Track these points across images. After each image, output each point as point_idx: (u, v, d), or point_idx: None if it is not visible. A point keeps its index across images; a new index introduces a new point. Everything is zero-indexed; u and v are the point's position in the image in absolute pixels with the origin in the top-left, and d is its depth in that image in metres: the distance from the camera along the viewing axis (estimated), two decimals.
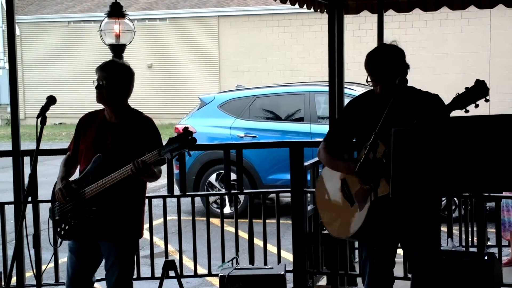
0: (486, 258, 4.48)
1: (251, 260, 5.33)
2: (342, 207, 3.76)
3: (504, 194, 5.30)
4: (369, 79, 3.69)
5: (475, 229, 5.51)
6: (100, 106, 3.98)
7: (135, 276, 4.37)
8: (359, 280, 5.40)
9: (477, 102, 3.31)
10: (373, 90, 3.77)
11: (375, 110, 3.64)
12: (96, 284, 4.14)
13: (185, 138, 3.55)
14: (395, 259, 3.95)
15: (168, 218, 5.38)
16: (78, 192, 3.81)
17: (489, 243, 5.65)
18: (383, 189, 3.41)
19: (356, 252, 5.42)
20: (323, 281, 5.58)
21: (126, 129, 3.87)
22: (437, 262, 3.69)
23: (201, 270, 5.71)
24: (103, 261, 3.96)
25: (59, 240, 4.02)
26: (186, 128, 3.59)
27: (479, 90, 3.29)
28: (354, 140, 3.90)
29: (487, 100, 3.30)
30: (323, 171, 4.08)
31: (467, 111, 3.33)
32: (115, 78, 3.84)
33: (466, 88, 3.33)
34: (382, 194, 3.42)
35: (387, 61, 3.62)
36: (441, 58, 18.59)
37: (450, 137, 3.05)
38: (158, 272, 5.08)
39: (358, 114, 3.79)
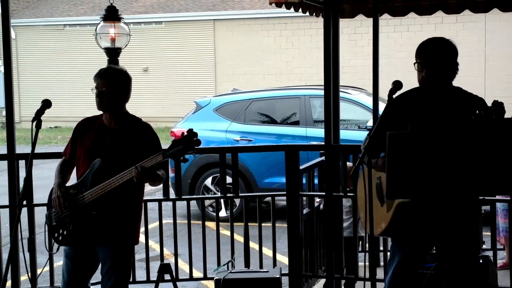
0: (481, 261, 4.49)
1: (247, 264, 5.33)
2: (374, 204, 3.70)
3: (498, 197, 5.30)
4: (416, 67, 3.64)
5: None
6: (93, 110, 3.97)
7: (130, 280, 4.36)
8: (358, 284, 5.40)
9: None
10: (416, 88, 3.73)
11: (417, 108, 3.62)
12: None
13: (190, 140, 3.52)
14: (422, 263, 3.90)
15: (163, 221, 5.38)
16: (77, 197, 3.81)
17: (484, 246, 5.66)
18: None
19: (359, 255, 5.42)
20: (318, 285, 5.58)
21: (125, 135, 3.86)
22: (473, 272, 3.60)
23: (197, 273, 5.70)
24: (99, 266, 3.95)
25: (56, 245, 4.00)
26: (190, 130, 3.54)
27: (495, 113, 3.27)
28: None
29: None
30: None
31: None
32: (115, 84, 3.84)
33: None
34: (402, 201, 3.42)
35: (441, 46, 3.61)
36: None
37: (445, 141, 3.06)
38: (153, 276, 5.08)
39: (400, 112, 3.67)
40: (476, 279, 3.62)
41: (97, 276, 4.03)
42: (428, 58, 3.61)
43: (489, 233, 5.25)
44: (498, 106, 3.28)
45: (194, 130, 3.56)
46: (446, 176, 3.05)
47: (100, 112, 3.96)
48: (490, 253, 4.98)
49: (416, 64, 3.66)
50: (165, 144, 3.71)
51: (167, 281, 4.87)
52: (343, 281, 5.35)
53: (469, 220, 3.62)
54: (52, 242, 4.00)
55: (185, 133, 3.57)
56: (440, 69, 3.59)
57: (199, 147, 3.57)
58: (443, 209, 3.57)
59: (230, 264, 5.07)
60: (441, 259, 3.70)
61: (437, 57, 3.60)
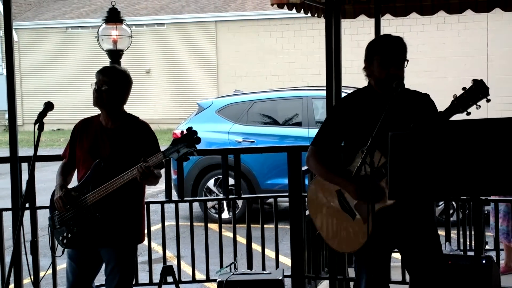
0: (484, 262, 4.48)
1: (249, 265, 5.32)
2: (342, 221, 3.57)
3: (498, 197, 5.25)
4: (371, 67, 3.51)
5: (473, 233, 5.52)
6: (95, 112, 3.98)
7: (133, 282, 4.36)
8: None
9: (478, 103, 3.20)
10: (365, 88, 3.63)
11: (369, 110, 3.51)
12: None
13: (190, 138, 3.54)
14: (390, 265, 3.88)
15: (166, 223, 5.38)
16: (79, 199, 3.81)
17: (487, 247, 5.65)
18: (384, 201, 3.36)
19: None
20: (321, 286, 5.57)
21: (123, 134, 3.87)
22: (441, 264, 3.57)
23: (199, 275, 5.70)
24: (103, 266, 3.96)
25: (61, 248, 4.00)
26: (190, 128, 3.56)
27: (478, 91, 3.17)
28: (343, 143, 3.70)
29: (488, 100, 3.19)
30: (313, 181, 3.80)
31: (468, 114, 3.23)
32: (116, 83, 3.85)
33: (464, 89, 3.22)
34: (382, 206, 3.38)
35: (401, 43, 3.48)
36: (438, 61, 18.61)
37: (448, 141, 3.04)
38: (156, 278, 5.08)
39: (350, 114, 3.58)
40: (443, 278, 3.56)
41: (101, 279, 4.03)
42: (393, 56, 3.44)
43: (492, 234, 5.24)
44: (480, 83, 3.17)
45: (193, 128, 3.57)
46: (449, 176, 3.04)
47: (97, 113, 3.97)
48: (493, 254, 4.97)
49: (377, 60, 3.46)
50: (167, 146, 3.71)
51: (170, 283, 4.87)
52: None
53: (429, 220, 3.60)
54: (56, 245, 4.00)
55: (185, 132, 3.58)
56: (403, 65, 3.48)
57: (200, 148, 3.57)
58: (407, 212, 3.52)
59: (232, 266, 5.06)
60: (407, 262, 3.66)
61: (402, 54, 3.46)
